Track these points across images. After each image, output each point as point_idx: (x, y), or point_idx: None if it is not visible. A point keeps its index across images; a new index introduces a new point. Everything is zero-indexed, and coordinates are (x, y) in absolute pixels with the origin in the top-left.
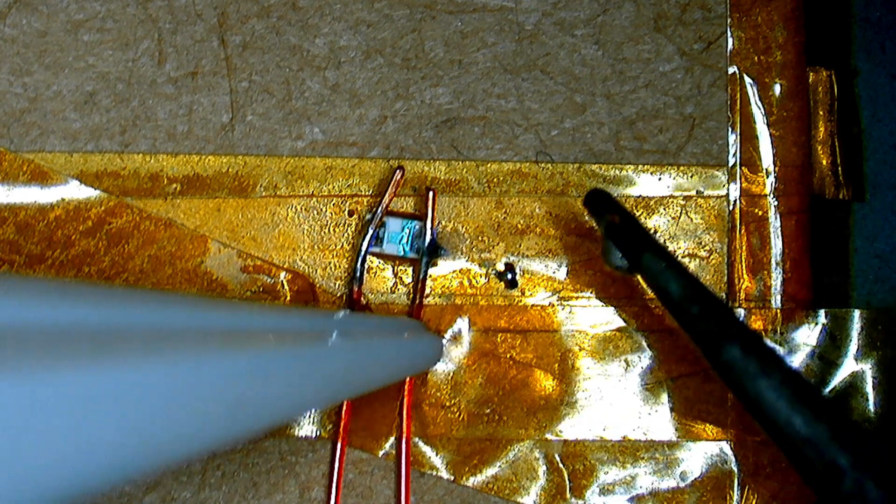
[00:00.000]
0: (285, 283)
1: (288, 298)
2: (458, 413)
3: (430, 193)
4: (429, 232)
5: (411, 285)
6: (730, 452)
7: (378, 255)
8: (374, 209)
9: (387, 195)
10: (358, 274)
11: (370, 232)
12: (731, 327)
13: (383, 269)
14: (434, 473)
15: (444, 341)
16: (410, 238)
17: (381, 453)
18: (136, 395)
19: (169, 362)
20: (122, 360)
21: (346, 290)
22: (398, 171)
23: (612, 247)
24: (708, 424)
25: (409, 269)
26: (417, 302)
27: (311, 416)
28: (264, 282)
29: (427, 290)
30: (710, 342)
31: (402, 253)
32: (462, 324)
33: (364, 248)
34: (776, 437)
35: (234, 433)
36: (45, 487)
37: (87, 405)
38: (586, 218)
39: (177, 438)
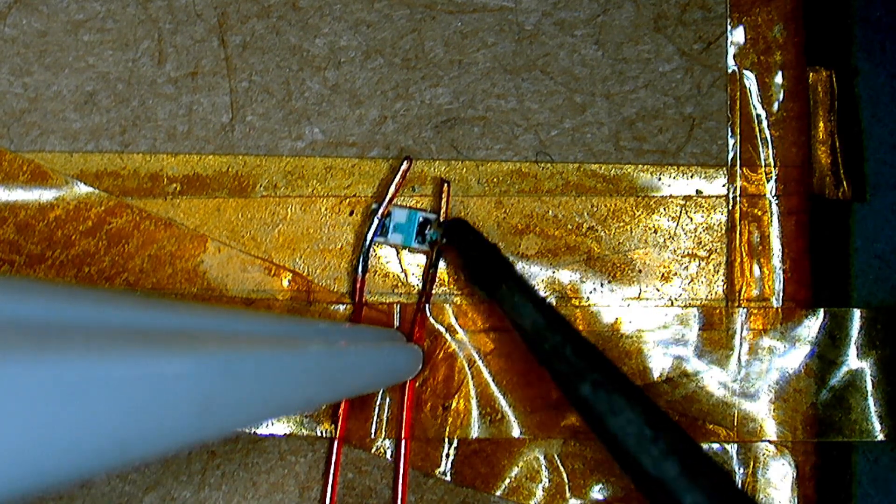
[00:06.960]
0: (285, 283)
1: (289, 298)
2: (458, 413)
3: (445, 185)
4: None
5: (420, 276)
6: (732, 452)
7: (383, 245)
8: (381, 199)
9: (393, 185)
10: (362, 263)
11: (376, 221)
12: (582, 364)
13: (388, 262)
14: (434, 473)
15: (446, 341)
16: (415, 228)
17: (378, 451)
18: (101, 390)
19: (138, 358)
20: (86, 353)
21: (350, 280)
22: (406, 160)
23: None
24: (709, 424)
25: (415, 263)
26: (427, 293)
27: (311, 415)
28: (264, 281)
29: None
30: (563, 379)
31: (407, 243)
32: (462, 323)
33: (369, 236)
34: (631, 476)
35: (202, 433)
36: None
37: (44, 397)
38: (586, 217)
39: (139, 436)
